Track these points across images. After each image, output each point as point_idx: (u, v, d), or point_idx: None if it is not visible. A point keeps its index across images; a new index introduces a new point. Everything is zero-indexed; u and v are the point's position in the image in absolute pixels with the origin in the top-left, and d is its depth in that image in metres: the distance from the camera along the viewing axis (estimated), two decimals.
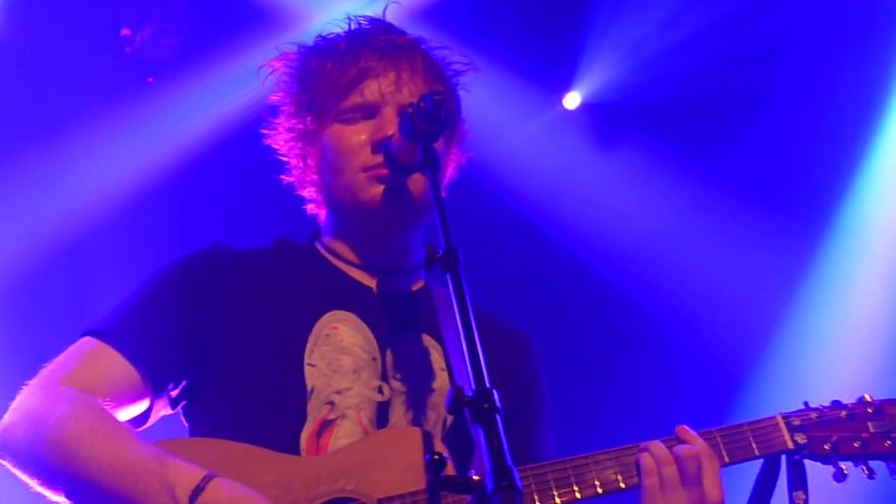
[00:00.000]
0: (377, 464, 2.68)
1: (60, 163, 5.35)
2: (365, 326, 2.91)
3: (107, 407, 2.72)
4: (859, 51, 5.79)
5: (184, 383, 2.88)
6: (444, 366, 2.91)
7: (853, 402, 2.92)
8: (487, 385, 2.12)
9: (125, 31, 5.62)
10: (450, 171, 3.12)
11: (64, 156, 5.35)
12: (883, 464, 2.88)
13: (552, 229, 6.14)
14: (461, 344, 2.21)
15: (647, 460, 2.76)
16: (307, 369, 2.82)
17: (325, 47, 3.03)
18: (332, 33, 3.06)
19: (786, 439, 2.84)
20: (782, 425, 2.86)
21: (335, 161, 2.93)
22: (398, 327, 2.93)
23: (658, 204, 6.07)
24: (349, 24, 3.06)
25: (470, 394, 2.11)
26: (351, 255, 3.01)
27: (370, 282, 2.99)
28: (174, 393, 2.88)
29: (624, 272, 6.09)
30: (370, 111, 2.92)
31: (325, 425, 2.79)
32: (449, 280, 2.34)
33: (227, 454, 2.64)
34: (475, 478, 2.04)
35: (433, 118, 2.58)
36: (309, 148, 3.05)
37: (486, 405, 2.09)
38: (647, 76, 6.13)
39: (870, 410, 2.90)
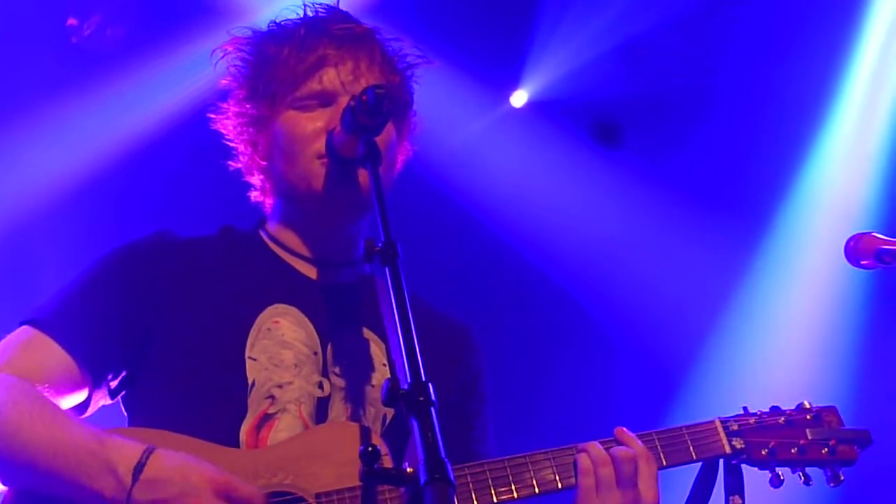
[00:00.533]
0: (315, 458, 2.68)
1: (4, 151, 5.30)
2: (307, 320, 2.91)
3: (45, 394, 2.70)
4: (802, 50, 5.85)
5: (123, 374, 2.86)
6: (384, 361, 2.92)
7: (792, 408, 2.95)
8: (423, 378, 2.14)
9: (71, 21, 5.56)
10: (399, 164, 3.11)
11: (8, 145, 5.30)
12: (819, 470, 2.91)
13: (496, 226, 6.16)
14: (398, 336, 2.22)
15: (584, 461, 2.78)
16: (248, 363, 2.82)
17: (281, 33, 3.02)
18: (287, 20, 3.05)
19: (724, 444, 2.86)
20: (720, 430, 2.88)
21: (288, 147, 2.92)
22: (340, 321, 2.93)
23: (601, 202, 6.11)
24: (305, 11, 3.04)
25: (405, 386, 2.12)
26: (296, 245, 3.01)
27: (314, 274, 2.99)
28: (113, 384, 2.86)
29: (565, 270, 6.12)
30: (327, 99, 2.91)
31: (266, 419, 2.78)
32: (387, 273, 2.36)
33: (165, 445, 2.61)
34: (408, 470, 2.05)
35: (375, 112, 2.59)
36: (259, 134, 3.03)
37: (420, 398, 2.10)
38: (594, 75, 6.16)
39: (808, 417, 2.93)
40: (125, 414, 2.91)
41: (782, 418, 2.90)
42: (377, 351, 2.92)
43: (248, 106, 3.03)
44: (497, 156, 6.23)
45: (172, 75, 5.53)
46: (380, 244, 2.39)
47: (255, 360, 2.82)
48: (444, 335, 3.04)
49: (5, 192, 5.30)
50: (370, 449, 2.10)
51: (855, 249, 3.10)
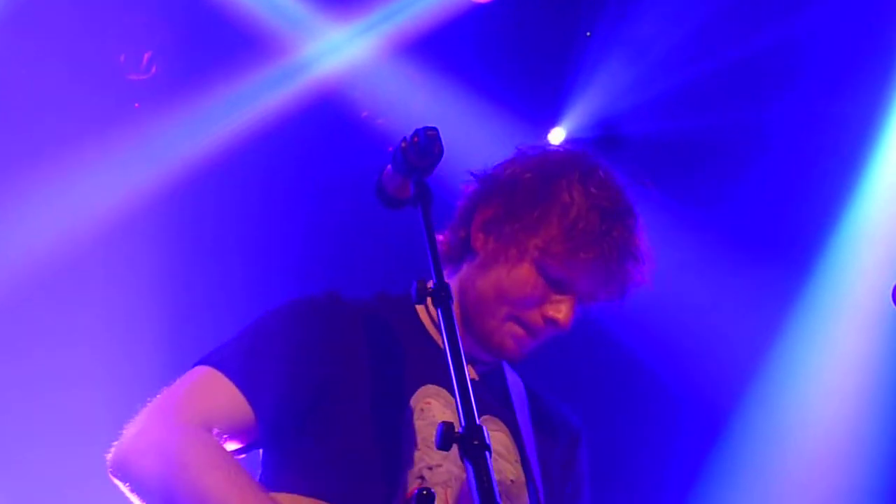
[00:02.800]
0: None
1: (51, 182, 5.35)
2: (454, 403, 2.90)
3: (220, 441, 2.70)
4: (846, 88, 5.83)
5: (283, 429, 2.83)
6: (516, 455, 2.88)
7: None
8: (477, 422, 2.14)
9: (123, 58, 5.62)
10: None
11: (54, 176, 5.35)
12: None
13: None
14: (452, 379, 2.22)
15: None
16: (404, 444, 2.78)
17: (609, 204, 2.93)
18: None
19: None
20: None
21: (500, 294, 2.87)
22: (482, 408, 2.79)
23: None
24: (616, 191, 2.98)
25: (460, 430, 2.12)
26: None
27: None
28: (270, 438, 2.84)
29: (608, 313, 6.09)
30: (563, 288, 2.89)
31: (412, 500, 2.66)
32: (440, 314, 2.36)
33: None
34: None
35: (426, 153, 2.59)
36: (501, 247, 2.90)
37: (475, 441, 2.10)
38: (634, 115, 6.16)
39: None
40: (261, 465, 2.88)
41: None
42: (505, 440, 2.89)
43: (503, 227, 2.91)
44: None
45: (215, 111, 5.57)
46: (432, 285, 2.40)
47: (409, 440, 2.78)
48: (561, 430, 3.03)
49: (48, 227, 5.34)
50: (425, 492, 2.09)
51: None
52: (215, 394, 2.75)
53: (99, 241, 5.39)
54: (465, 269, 2.95)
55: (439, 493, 2.75)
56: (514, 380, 3.05)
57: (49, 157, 5.36)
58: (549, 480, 2.89)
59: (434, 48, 5.73)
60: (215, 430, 2.69)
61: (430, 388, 2.85)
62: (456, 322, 2.36)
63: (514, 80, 6.09)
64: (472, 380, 2.61)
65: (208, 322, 5.38)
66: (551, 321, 2.87)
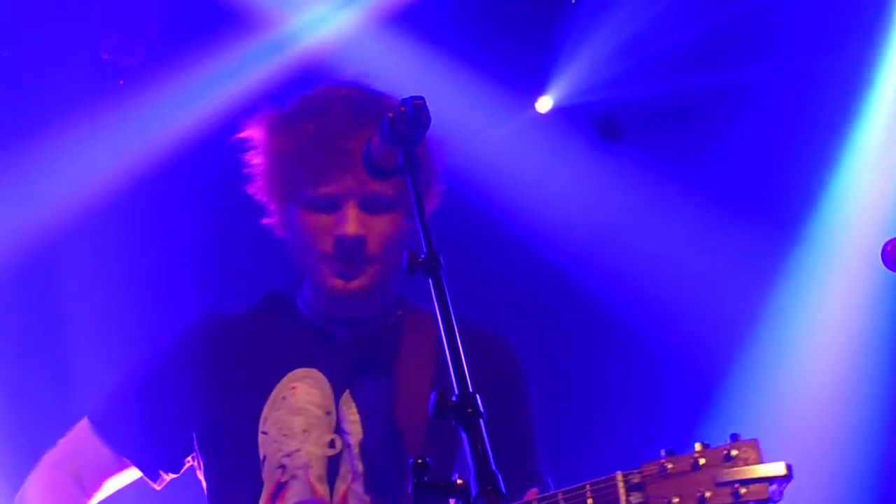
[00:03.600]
0: None
1: (31, 166, 5.32)
2: (324, 380, 3.00)
3: (87, 485, 3.06)
4: (832, 53, 5.82)
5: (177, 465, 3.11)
6: (395, 405, 2.97)
7: (710, 445, 2.61)
8: (470, 389, 2.14)
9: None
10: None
11: (35, 160, 5.32)
12: None
13: (524, 232, 6.15)
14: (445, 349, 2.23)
15: None
16: (260, 437, 2.95)
17: (301, 122, 3.06)
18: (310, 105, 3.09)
19: (621, 500, 2.58)
20: (621, 484, 2.60)
21: (300, 244, 3.06)
22: (361, 373, 3.02)
23: (629, 208, 6.09)
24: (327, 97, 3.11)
25: (453, 398, 2.13)
26: (325, 307, 3.09)
27: (340, 331, 3.07)
28: (167, 476, 3.12)
29: (593, 275, 6.11)
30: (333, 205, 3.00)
31: (279, 488, 2.91)
32: (431, 285, 2.37)
33: None
34: (459, 482, 2.06)
35: (414, 122, 2.60)
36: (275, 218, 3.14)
37: (469, 409, 2.12)
38: (621, 81, 6.15)
39: (722, 456, 2.57)
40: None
41: (691, 461, 2.57)
42: (402, 395, 2.97)
43: (262, 194, 3.12)
44: (521, 162, 6.22)
45: (197, 88, 5.54)
46: (422, 255, 2.41)
47: (266, 433, 2.96)
48: (490, 354, 3.06)
49: (31, 210, 5.32)
50: (420, 461, 2.10)
51: (892, 254, 3.07)
52: (78, 438, 3.12)
53: (87, 221, 5.38)
54: None
55: (300, 475, 2.91)
56: (414, 336, 3.07)
57: (36, 137, 5.34)
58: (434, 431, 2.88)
59: (420, 17, 5.70)
60: (83, 468, 3.05)
61: (299, 372, 3.00)
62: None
63: (501, 50, 6.08)
64: (345, 342, 2.97)
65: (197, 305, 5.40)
66: (340, 239, 2.94)
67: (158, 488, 3.10)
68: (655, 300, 5.95)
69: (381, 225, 2.98)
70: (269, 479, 2.90)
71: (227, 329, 3.11)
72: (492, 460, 2.03)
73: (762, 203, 5.98)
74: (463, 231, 5.87)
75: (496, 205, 6.06)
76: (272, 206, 3.09)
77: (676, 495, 2.55)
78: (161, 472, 3.08)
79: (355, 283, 2.97)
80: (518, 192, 6.11)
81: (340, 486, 2.91)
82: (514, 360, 3.15)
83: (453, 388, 2.15)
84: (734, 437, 2.58)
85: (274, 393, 2.97)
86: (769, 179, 5.97)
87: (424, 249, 2.43)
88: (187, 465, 3.09)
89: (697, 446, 2.57)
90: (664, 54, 6.03)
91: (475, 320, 3.08)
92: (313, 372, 2.98)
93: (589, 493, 2.61)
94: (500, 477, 2.00)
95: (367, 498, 2.91)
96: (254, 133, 3.10)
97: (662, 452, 2.59)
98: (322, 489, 2.90)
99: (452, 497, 2.07)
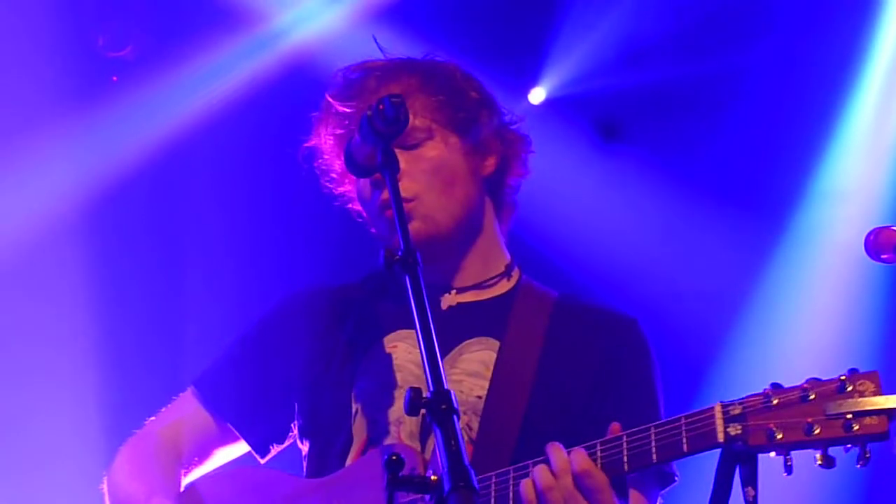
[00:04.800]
0: (369, 482, 2.79)
1: (24, 161, 5.34)
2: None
3: (186, 457, 3.07)
4: (818, 45, 5.83)
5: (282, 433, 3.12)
6: (490, 368, 2.96)
7: (803, 382, 2.50)
8: (444, 386, 2.17)
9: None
10: (465, 183, 3.20)
11: (29, 154, 5.34)
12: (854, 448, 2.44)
13: (516, 223, 6.15)
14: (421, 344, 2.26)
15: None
16: (355, 392, 2.97)
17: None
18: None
19: (718, 431, 2.48)
20: (719, 416, 2.51)
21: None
22: (464, 337, 3.01)
23: (619, 198, 6.10)
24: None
25: (428, 395, 2.15)
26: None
27: (442, 298, 3.08)
28: (273, 448, 3.13)
29: (583, 266, 6.11)
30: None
31: (369, 443, 2.92)
32: (407, 282, 2.39)
33: (247, 482, 2.95)
34: (433, 477, 2.08)
35: (391, 120, 2.63)
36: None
37: (443, 406, 2.14)
38: (612, 72, 6.15)
39: (834, 388, 2.45)
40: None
41: (800, 393, 2.45)
42: (487, 359, 2.97)
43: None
44: None
45: (191, 84, 5.55)
46: (399, 252, 2.43)
47: (363, 388, 2.97)
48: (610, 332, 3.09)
49: (23, 204, 5.34)
50: (394, 458, 2.12)
51: (875, 243, 3.07)
52: (182, 406, 3.13)
53: (81, 214, 5.41)
54: None
55: (392, 431, 2.91)
56: (530, 302, 3.10)
57: (28, 131, 5.36)
58: (547, 390, 2.92)
59: (410, 8, 5.71)
60: (185, 438, 3.05)
61: (401, 333, 3.01)
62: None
63: (493, 42, 6.07)
64: (467, 303, 3.01)
65: (197, 298, 5.44)
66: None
67: (263, 461, 3.09)
68: (645, 288, 5.95)
69: (410, 161, 2.97)
70: (358, 434, 2.91)
71: (331, 296, 3.13)
72: (465, 456, 2.05)
73: (752, 191, 5.98)
74: None
75: None
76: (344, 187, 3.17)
77: (779, 426, 2.43)
78: (268, 444, 3.08)
79: (411, 229, 2.78)
80: None
81: (432, 444, 2.87)
82: (638, 331, 3.15)
83: (428, 384, 2.18)
84: (852, 371, 2.44)
85: (374, 350, 2.98)
86: (759, 167, 5.98)
87: (402, 246, 2.45)
88: (290, 438, 3.09)
89: (807, 381, 2.46)
90: (655, 43, 6.03)
91: (592, 299, 3.24)
92: (413, 333, 2.79)
93: (683, 426, 2.54)
94: (472, 473, 2.03)
95: None
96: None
97: (767, 386, 2.48)
98: (413, 445, 2.88)
99: (426, 493, 2.10)
